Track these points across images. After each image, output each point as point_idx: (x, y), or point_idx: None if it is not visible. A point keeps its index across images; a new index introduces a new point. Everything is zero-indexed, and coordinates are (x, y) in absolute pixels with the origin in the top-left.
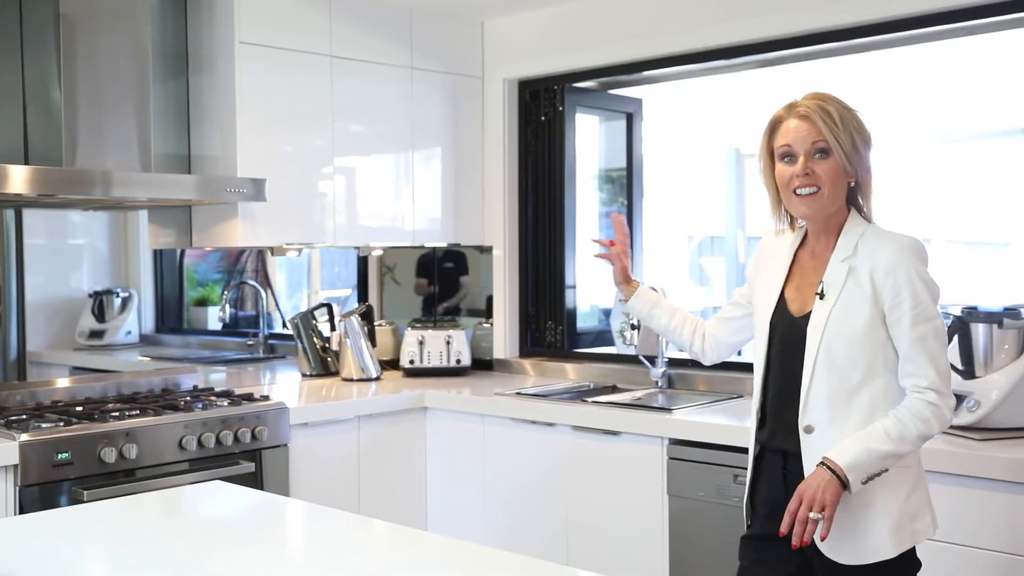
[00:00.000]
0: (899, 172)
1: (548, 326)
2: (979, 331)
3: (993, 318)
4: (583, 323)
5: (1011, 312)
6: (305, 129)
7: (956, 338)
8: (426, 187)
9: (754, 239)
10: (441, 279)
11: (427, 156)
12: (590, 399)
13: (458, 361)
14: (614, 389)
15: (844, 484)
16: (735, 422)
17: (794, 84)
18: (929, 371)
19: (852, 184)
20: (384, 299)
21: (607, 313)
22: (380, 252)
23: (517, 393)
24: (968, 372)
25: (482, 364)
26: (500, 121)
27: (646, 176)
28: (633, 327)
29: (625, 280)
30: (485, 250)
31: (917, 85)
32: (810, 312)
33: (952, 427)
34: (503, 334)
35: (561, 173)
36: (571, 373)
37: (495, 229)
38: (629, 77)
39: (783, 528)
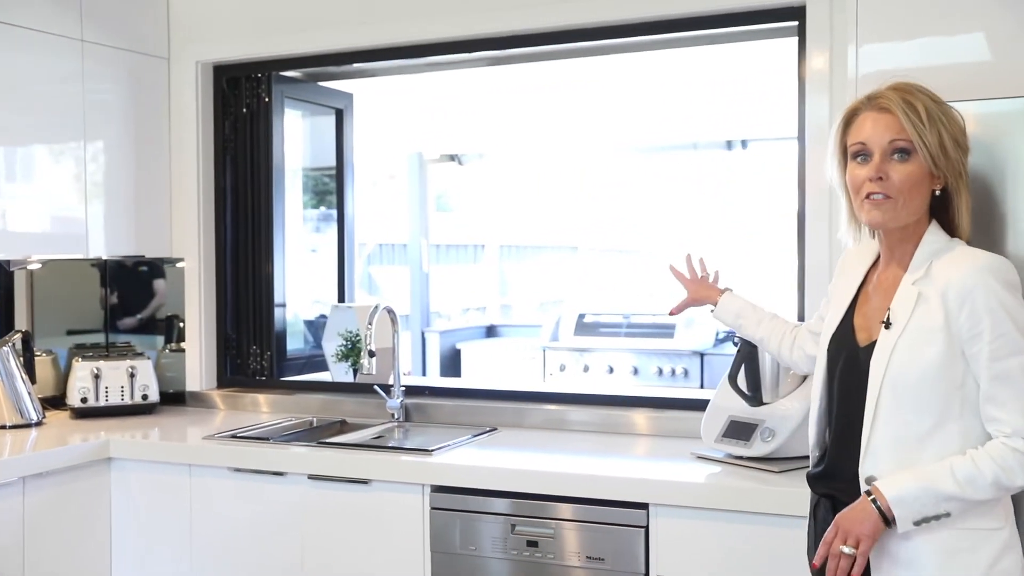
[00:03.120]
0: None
1: (252, 351)
2: (765, 356)
3: None
4: (291, 346)
5: None
6: None
7: (743, 365)
8: (100, 186)
9: (437, 246)
10: (130, 286)
11: (102, 149)
12: (325, 440)
13: (144, 396)
14: (344, 424)
15: (888, 520)
16: (506, 463)
17: (502, 85)
18: (1014, 415)
19: (937, 192)
20: (36, 321)
21: (316, 336)
22: (38, 266)
23: (232, 436)
24: (755, 399)
25: (171, 398)
26: (192, 110)
27: (356, 178)
28: (371, 354)
29: (711, 294)
30: (169, 262)
31: (632, 92)
32: (875, 343)
33: (747, 459)
34: (198, 362)
35: (268, 173)
36: (284, 406)
37: (187, 237)
38: (339, 69)
39: (816, 560)
